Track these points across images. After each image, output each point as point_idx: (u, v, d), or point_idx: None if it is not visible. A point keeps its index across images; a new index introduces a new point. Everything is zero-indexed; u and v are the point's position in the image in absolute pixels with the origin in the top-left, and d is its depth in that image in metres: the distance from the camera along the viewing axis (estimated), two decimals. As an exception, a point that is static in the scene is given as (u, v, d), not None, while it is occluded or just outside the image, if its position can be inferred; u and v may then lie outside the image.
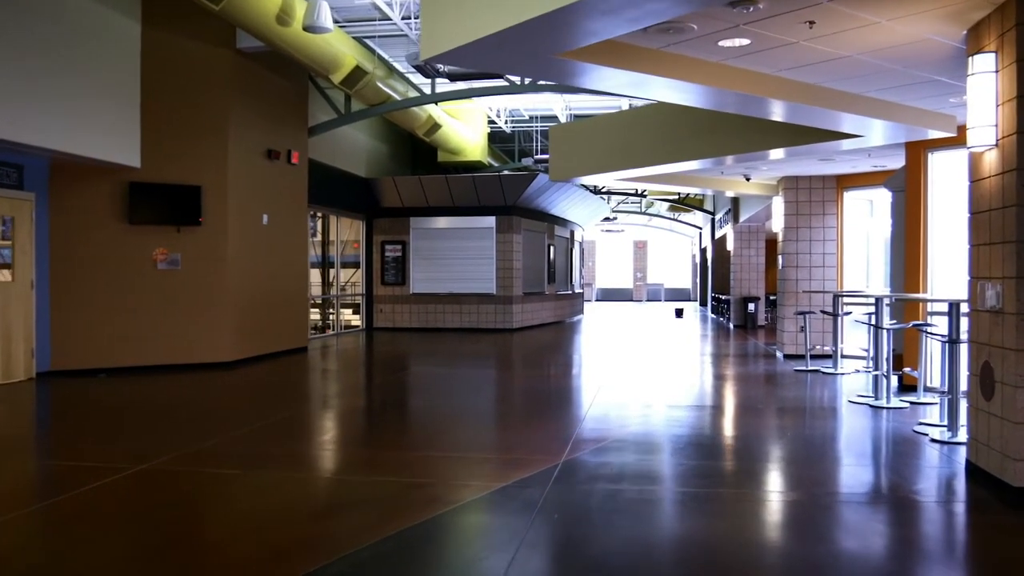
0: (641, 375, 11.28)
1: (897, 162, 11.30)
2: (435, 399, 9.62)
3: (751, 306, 21.31)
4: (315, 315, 19.18)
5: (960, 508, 5.02)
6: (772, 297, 23.96)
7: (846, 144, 9.27)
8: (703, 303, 35.98)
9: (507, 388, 10.56)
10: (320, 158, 16.26)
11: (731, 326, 21.75)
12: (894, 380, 8.75)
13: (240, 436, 6.94)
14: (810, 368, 11.34)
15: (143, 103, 11.04)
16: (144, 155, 11.08)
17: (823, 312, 12.09)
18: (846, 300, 11.19)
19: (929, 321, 8.59)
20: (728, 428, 7.43)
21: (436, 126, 17.03)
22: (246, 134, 12.25)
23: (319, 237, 18.43)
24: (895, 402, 8.25)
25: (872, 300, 8.87)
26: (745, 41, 5.77)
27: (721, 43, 5.82)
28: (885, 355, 8.40)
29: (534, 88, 13.51)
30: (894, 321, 8.84)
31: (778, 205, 13.56)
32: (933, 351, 8.79)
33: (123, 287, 11.14)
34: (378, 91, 14.15)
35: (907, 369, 8.77)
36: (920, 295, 8.65)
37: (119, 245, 11.12)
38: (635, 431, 7.05)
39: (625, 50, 5.75)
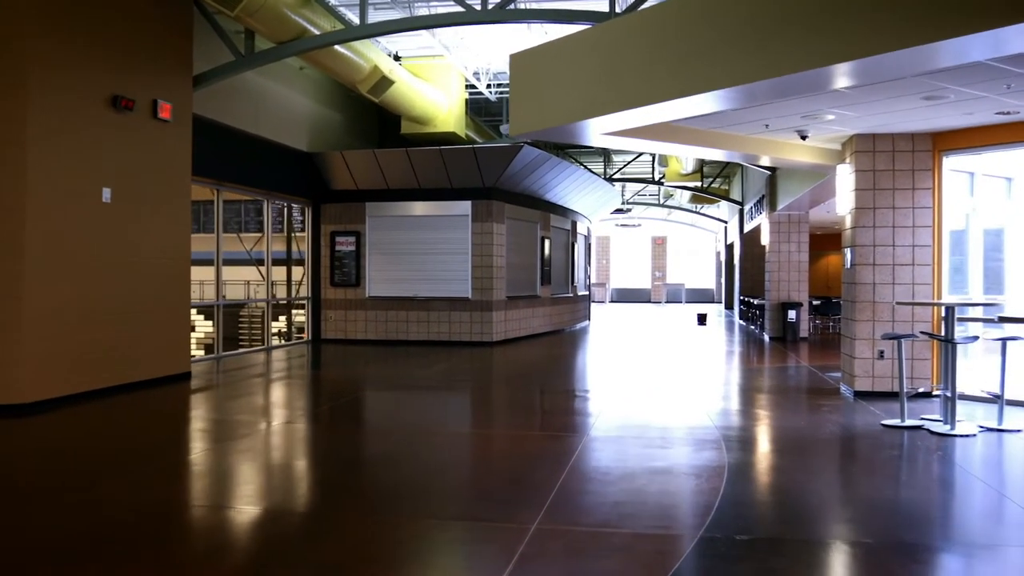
0: (642, 436, 7.29)
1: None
2: (300, 484, 5.69)
3: (791, 314, 17.21)
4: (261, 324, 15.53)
5: None
6: (816, 302, 19.85)
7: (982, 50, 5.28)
8: (728, 306, 31.86)
9: (444, 453, 6.55)
10: (234, 123, 12.45)
11: (766, 338, 17.66)
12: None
13: None
14: (907, 423, 7.29)
15: None
16: None
17: (926, 335, 8.07)
18: (969, 316, 7.11)
19: None
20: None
21: (386, 81, 13.08)
22: (69, 69, 8.37)
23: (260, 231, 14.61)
24: None
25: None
26: None
27: None
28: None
29: (500, 15, 9.55)
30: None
31: (845, 177, 9.51)
32: None
33: None
34: (286, 22, 10.25)
35: None
36: None
37: None
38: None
39: None
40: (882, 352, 9.01)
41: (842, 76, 5.98)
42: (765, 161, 11.09)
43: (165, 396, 9.10)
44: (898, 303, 8.71)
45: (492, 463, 6.25)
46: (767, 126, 8.67)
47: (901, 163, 9.05)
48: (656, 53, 6.82)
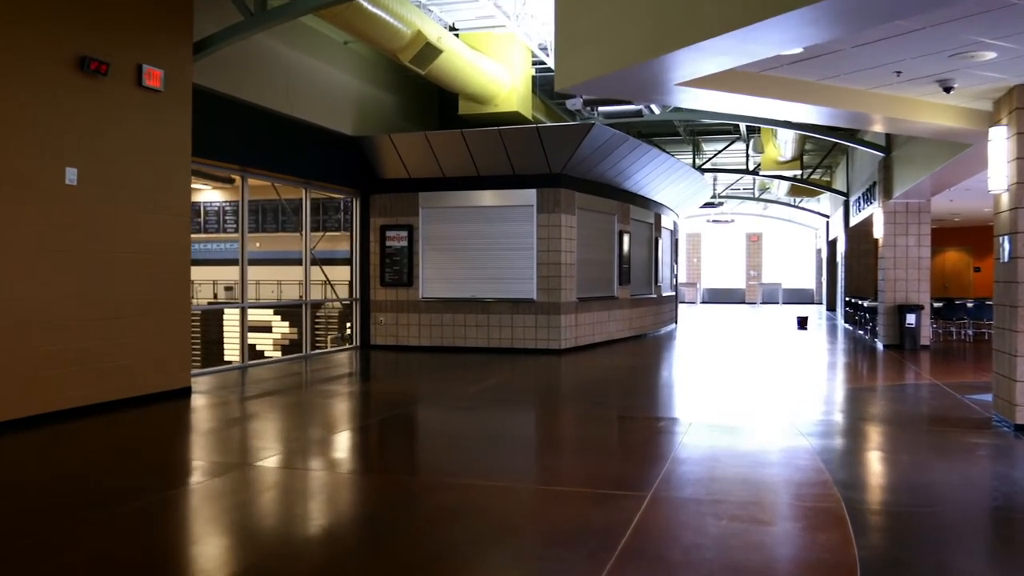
0: (729, 497, 5.30)
1: None
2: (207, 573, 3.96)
3: (910, 318, 14.75)
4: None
5: None
6: (937, 305, 17.25)
7: None
8: (831, 307, 29.09)
9: (442, 526, 4.72)
10: (263, 101, 11.02)
11: (879, 346, 15.22)
12: None
13: None
14: (1116, 482, 5.11)
15: None
16: None
17: None
18: None
19: None
20: None
21: (432, 50, 11.32)
22: (15, 20, 6.87)
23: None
24: None
25: None
26: None
27: None
28: None
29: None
30: None
31: (1000, 144, 7.26)
32: None
33: None
34: (300, -29, 8.58)
35: None
36: None
37: None
38: None
39: None
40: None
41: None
42: (878, 127, 8.88)
43: (140, 420, 7.53)
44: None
45: (499, 549, 4.27)
46: (898, 73, 6.53)
47: (1082, 122, 6.79)
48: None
